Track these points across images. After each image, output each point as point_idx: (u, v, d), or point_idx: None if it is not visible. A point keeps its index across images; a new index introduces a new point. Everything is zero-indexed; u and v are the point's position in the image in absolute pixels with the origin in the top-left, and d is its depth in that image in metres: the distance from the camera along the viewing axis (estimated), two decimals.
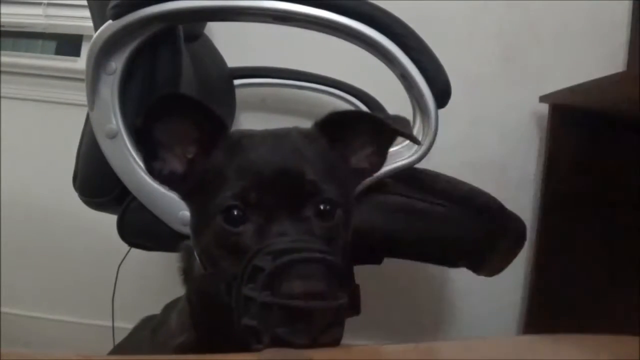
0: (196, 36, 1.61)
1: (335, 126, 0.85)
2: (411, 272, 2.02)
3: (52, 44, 2.33)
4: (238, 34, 1.88)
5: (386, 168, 1.05)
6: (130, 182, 1.10)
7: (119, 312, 1.68)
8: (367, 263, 1.13)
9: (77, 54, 2.25)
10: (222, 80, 1.82)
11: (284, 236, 0.72)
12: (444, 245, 1.14)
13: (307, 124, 0.87)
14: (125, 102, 1.12)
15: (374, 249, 1.11)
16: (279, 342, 0.62)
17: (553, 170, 1.96)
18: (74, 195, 1.30)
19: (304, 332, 0.64)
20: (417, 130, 1.09)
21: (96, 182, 1.22)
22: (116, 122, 1.10)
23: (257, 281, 0.67)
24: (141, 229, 1.15)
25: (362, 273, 0.96)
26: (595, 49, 2.06)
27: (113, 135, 1.10)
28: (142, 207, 1.10)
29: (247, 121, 2.03)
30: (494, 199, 1.17)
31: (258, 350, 0.62)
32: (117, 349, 1.04)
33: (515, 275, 2.01)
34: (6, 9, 2.23)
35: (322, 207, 0.76)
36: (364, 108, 1.86)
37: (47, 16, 2.21)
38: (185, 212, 1.00)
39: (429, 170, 1.26)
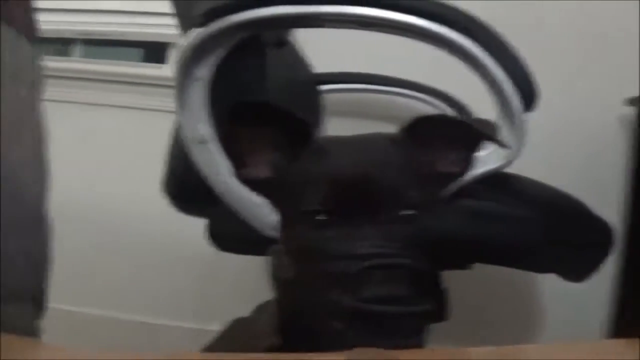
0: (282, 42, 1.63)
1: (421, 131, 0.85)
2: (498, 276, 1.99)
3: (138, 51, 2.40)
4: (324, 40, 1.89)
5: (473, 173, 1.04)
6: (219, 187, 1.12)
7: (208, 314, 1.71)
8: (456, 268, 1.13)
9: (162, 61, 2.31)
10: (307, 86, 1.84)
11: (365, 241, 0.72)
12: (530, 250, 1.12)
13: (393, 129, 0.87)
14: (213, 109, 1.14)
15: (461, 254, 1.10)
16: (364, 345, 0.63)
17: None
18: (162, 200, 1.34)
19: (386, 337, 0.64)
20: (503, 134, 1.07)
21: (185, 187, 1.26)
22: (204, 128, 1.13)
23: (340, 285, 0.68)
24: (230, 233, 1.17)
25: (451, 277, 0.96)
26: None
27: (202, 141, 1.13)
28: (231, 212, 1.12)
29: (335, 127, 2.03)
30: (582, 203, 1.15)
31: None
32: (207, 350, 1.06)
33: (604, 282, 1.96)
34: (93, 18, 2.31)
35: (404, 213, 0.76)
36: (450, 112, 1.84)
37: (133, 24, 2.28)
38: (274, 217, 1.01)
39: (516, 175, 1.25)
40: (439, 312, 0.82)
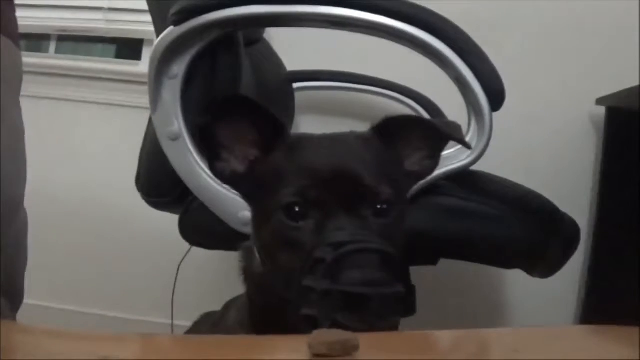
0: (255, 40, 1.64)
1: (390, 130, 0.88)
2: (465, 272, 2.01)
3: (112, 48, 2.40)
4: (297, 38, 1.89)
5: (440, 171, 1.07)
6: (191, 183, 1.14)
7: (179, 310, 1.72)
8: (422, 264, 1.15)
9: (137, 57, 2.31)
10: (280, 83, 1.85)
11: (342, 231, 0.75)
12: (497, 246, 1.14)
13: (364, 127, 0.90)
14: (187, 106, 1.15)
15: (428, 249, 1.13)
16: (337, 328, 0.64)
17: (610, 174, 1.93)
18: (136, 195, 1.35)
19: (362, 317, 0.67)
20: (472, 133, 1.10)
21: (158, 182, 1.26)
22: (178, 124, 1.14)
23: (317, 272, 0.70)
24: (202, 229, 1.18)
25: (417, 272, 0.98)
26: None
27: (175, 138, 1.14)
28: (204, 207, 1.13)
29: (306, 124, 2.05)
30: (548, 201, 1.17)
31: None
32: None
33: (570, 278, 1.99)
34: (67, 14, 2.30)
35: (379, 207, 0.79)
36: (421, 111, 1.86)
37: (107, 21, 2.27)
38: (245, 213, 1.02)
39: (483, 172, 1.27)
40: (408, 307, 0.84)
